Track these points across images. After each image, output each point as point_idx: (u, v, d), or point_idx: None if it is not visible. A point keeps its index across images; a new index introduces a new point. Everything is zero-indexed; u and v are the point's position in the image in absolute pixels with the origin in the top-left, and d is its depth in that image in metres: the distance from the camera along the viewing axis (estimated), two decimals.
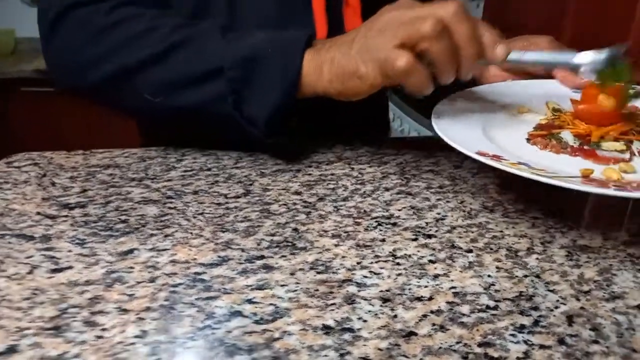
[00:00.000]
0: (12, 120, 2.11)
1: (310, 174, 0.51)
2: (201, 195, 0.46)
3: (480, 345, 0.29)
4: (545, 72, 0.54)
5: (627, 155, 0.43)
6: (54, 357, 0.27)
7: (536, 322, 0.31)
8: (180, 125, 0.58)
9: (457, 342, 0.29)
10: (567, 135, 0.45)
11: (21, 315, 0.30)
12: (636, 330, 0.30)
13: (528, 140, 0.46)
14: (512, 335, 0.30)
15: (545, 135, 0.46)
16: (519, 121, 0.50)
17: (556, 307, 0.32)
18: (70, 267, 0.35)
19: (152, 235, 0.39)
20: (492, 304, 0.32)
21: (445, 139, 0.43)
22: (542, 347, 0.29)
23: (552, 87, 0.54)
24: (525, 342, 0.29)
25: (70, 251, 0.37)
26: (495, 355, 0.28)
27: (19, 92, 2.07)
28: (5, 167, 0.52)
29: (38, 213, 0.43)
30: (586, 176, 0.39)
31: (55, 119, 2.10)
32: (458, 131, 0.45)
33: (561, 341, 0.29)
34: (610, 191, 0.35)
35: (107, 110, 0.59)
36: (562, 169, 0.40)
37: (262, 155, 0.55)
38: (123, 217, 0.42)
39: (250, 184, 0.48)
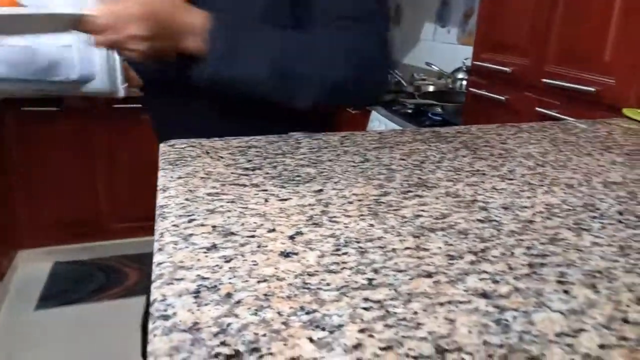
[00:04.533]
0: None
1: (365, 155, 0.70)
2: (336, 160, 0.64)
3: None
4: None
5: None
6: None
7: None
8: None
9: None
10: None
11: (283, 220, 0.47)
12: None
13: None
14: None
15: None
16: None
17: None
18: (289, 198, 0.52)
19: (326, 182, 0.57)
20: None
21: None
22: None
23: None
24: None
25: (280, 190, 0.54)
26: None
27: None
28: (169, 148, 0.68)
29: (232, 173, 0.59)
30: None
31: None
32: None
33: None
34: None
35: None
36: None
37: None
38: (294, 174, 0.59)
39: (366, 154, 0.67)
